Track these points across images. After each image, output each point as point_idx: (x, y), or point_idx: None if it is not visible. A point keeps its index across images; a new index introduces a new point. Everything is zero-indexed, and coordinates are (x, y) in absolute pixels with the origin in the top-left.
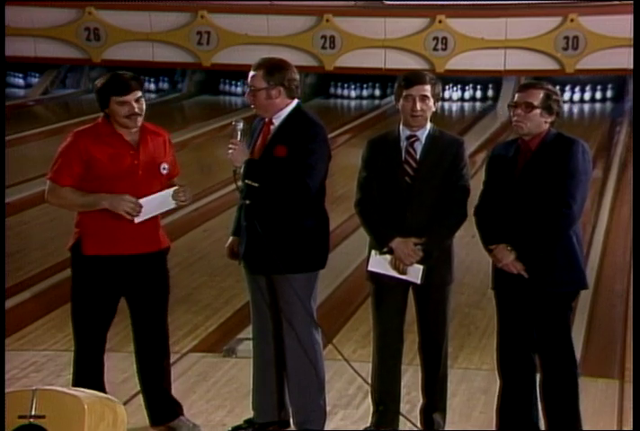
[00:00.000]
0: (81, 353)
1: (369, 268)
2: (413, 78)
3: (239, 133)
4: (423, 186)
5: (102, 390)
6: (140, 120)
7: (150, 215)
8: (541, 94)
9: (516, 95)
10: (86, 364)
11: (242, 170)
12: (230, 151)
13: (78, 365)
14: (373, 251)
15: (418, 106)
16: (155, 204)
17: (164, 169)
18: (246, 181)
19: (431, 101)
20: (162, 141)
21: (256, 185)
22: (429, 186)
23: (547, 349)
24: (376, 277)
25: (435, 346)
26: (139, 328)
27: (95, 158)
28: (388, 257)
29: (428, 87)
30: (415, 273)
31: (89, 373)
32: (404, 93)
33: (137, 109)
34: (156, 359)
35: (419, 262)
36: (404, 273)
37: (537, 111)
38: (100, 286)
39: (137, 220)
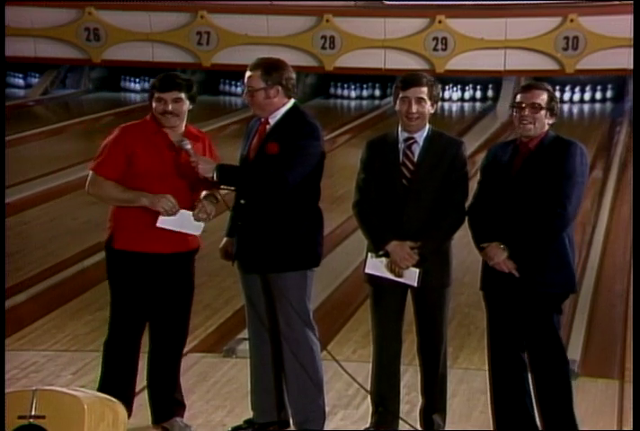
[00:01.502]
0: (111, 346)
1: (366, 271)
2: (409, 80)
3: (190, 150)
4: (421, 188)
5: (133, 389)
6: (175, 121)
7: (171, 228)
8: (545, 95)
9: (519, 96)
10: (118, 360)
11: (215, 178)
12: (200, 166)
13: (109, 362)
14: (369, 254)
15: (414, 108)
16: (181, 220)
17: None
18: (222, 187)
19: (428, 104)
20: (202, 145)
21: (232, 188)
22: (426, 188)
23: (536, 350)
24: (374, 280)
25: (433, 348)
26: (157, 328)
27: (138, 154)
28: (384, 260)
29: (424, 89)
30: (412, 276)
31: (120, 370)
32: (400, 95)
33: (170, 108)
34: (167, 360)
35: (415, 265)
36: (400, 276)
37: (543, 112)
38: (130, 281)
39: (159, 224)
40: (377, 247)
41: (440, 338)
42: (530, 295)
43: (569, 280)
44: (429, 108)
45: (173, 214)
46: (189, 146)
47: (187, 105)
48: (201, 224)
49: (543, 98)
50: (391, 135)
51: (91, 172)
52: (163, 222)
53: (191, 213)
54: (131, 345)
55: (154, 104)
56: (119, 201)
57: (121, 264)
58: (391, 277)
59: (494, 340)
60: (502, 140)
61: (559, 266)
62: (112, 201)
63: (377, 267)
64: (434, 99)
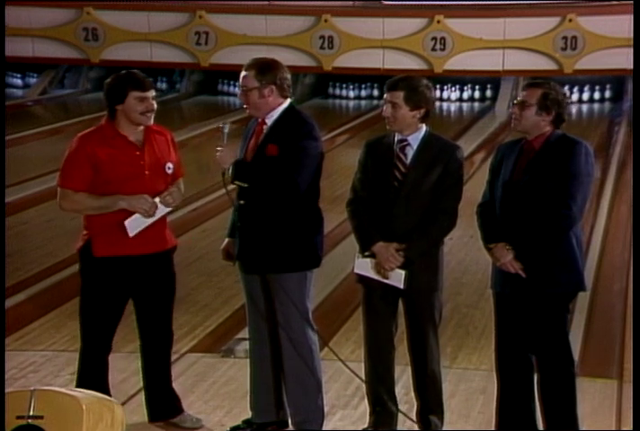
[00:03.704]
0: (87, 353)
1: (355, 271)
2: (388, 83)
3: (225, 136)
4: (411, 191)
5: (107, 390)
6: (152, 118)
7: (143, 227)
8: (539, 93)
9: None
10: (92, 364)
11: (230, 172)
12: (218, 154)
13: (84, 365)
14: (357, 254)
15: (385, 112)
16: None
17: (168, 168)
18: (235, 182)
19: (405, 109)
20: (165, 140)
21: (245, 185)
22: (417, 191)
23: (544, 350)
24: (365, 280)
25: (422, 351)
26: (145, 327)
27: (102, 161)
28: (370, 260)
29: (399, 94)
30: (398, 278)
31: (94, 374)
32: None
33: (153, 106)
34: (161, 357)
35: (401, 267)
36: (386, 277)
37: (532, 110)
38: (110, 288)
39: (131, 234)
40: (364, 247)
41: (429, 342)
42: (538, 295)
43: (577, 279)
44: (407, 112)
45: (154, 213)
46: (227, 129)
47: None
48: (165, 209)
49: (534, 96)
50: (388, 136)
51: (59, 189)
52: (131, 228)
53: (157, 200)
54: (106, 348)
55: (134, 104)
56: (96, 209)
57: (102, 271)
58: (377, 277)
59: (502, 341)
60: (502, 140)
61: (567, 265)
62: (90, 211)
63: (364, 267)
64: (417, 103)
